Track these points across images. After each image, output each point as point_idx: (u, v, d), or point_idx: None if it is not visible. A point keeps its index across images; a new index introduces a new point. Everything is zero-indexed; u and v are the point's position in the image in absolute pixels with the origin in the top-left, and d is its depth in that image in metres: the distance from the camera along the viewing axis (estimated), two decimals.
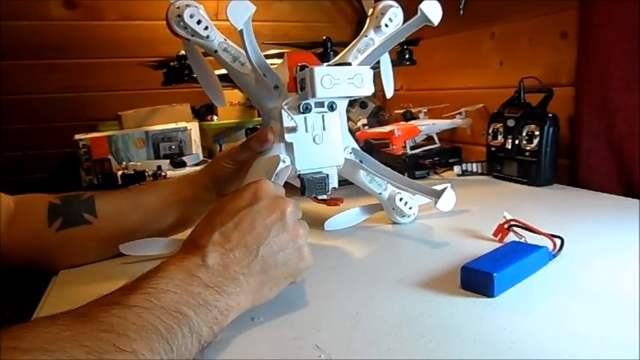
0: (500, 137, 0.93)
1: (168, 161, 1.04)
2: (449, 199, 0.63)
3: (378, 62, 0.65)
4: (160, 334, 0.32)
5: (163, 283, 0.35)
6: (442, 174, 1.03)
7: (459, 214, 0.71)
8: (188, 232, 0.59)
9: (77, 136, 1.04)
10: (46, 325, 0.30)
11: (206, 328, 0.35)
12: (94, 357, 0.28)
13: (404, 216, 0.68)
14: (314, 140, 0.56)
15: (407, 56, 0.99)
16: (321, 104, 0.55)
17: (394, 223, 0.69)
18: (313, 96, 0.50)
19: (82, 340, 0.29)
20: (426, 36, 1.00)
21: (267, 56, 0.60)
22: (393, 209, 0.67)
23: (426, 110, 1.16)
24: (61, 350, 0.27)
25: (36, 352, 0.27)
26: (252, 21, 0.48)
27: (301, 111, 0.54)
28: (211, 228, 0.40)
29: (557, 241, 0.53)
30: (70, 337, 0.29)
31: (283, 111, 0.54)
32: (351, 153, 0.62)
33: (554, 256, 0.52)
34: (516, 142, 0.89)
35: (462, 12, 1.09)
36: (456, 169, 1.01)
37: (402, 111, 1.20)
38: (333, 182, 0.58)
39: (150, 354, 0.30)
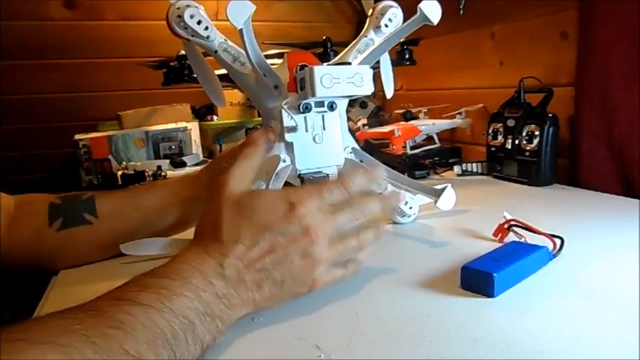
0: (500, 137, 0.93)
1: (168, 161, 1.04)
2: (449, 198, 0.63)
3: (378, 62, 0.65)
4: (165, 339, 0.32)
5: (177, 285, 0.35)
6: (442, 174, 1.03)
7: (459, 214, 0.71)
8: (188, 231, 0.61)
9: (77, 136, 1.04)
10: (55, 318, 0.30)
11: (208, 335, 0.35)
12: (99, 357, 0.28)
13: (404, 216, 0.68)
14: (314, 140, 0.56)
15: (407, 56, 0.99)
16: (321, 104, 0.55)
17: (394, 223, 0.69)
18: (313, 95, 0.50)
19: (91, 335, 0.29)
20: (426, 36, 1.00)
21: (267, 56, 0.60)
22: (394, 209, 0.67)
23: (426, 110, 1.16)
24: (70, 345, 0.27)
25: (45, 345, 0.27)
26: (252, 21, 0.48)
27: (301, 110, 0.54)
28: (236, 233, 0.39)
29: (557, 241, 0.53)
30: (79, 332, 0.29)
31: (283, 111, 0.54)
32: (351, 153, 0.62)
33: (554, 256, 0.52)
34: (516, 142, 0.89)
35: (462, 12, 1.09)
36: (456, 169, 1.01)
37: (402, 111, 1.20)
38: None
39: (153, 357, 0.31)
